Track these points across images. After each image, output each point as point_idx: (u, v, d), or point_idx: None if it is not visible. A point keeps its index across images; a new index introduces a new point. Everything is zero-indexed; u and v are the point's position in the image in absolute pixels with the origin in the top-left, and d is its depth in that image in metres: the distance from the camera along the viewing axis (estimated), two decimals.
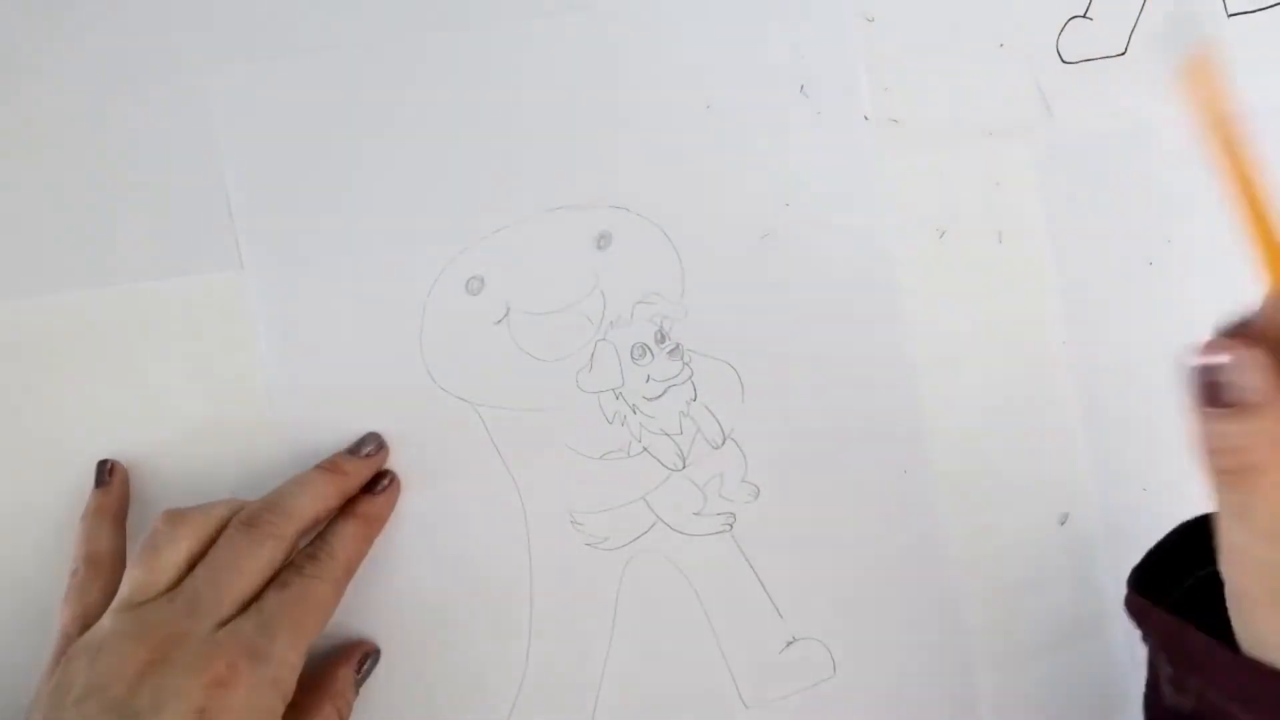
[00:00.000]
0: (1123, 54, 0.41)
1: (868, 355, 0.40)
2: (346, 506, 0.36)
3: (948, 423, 0.40)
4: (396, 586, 0.38)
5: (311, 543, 0.35)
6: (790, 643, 0.40)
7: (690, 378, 0.39)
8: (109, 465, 0.36)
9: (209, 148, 0.37)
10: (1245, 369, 0.24)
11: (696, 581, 0.39)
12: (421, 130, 0.38)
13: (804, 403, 0.39)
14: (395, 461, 0.38)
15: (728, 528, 0.39)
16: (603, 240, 0.39)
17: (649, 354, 0.39)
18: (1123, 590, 0.33)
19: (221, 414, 0.37)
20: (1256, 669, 0.27)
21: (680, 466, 0.39)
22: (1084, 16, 0.41)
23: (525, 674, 0.38)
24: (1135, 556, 0.38)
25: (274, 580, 0.32)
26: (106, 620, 0.31)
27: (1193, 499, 0.36)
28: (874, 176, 0.40)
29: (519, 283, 0.38)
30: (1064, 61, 0.41)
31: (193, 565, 0.32)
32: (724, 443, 0.39)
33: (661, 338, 0.39)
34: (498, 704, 0.38)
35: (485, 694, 0.38)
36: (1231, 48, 0.42)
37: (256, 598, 0.32)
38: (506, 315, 0.38)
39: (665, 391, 0.39)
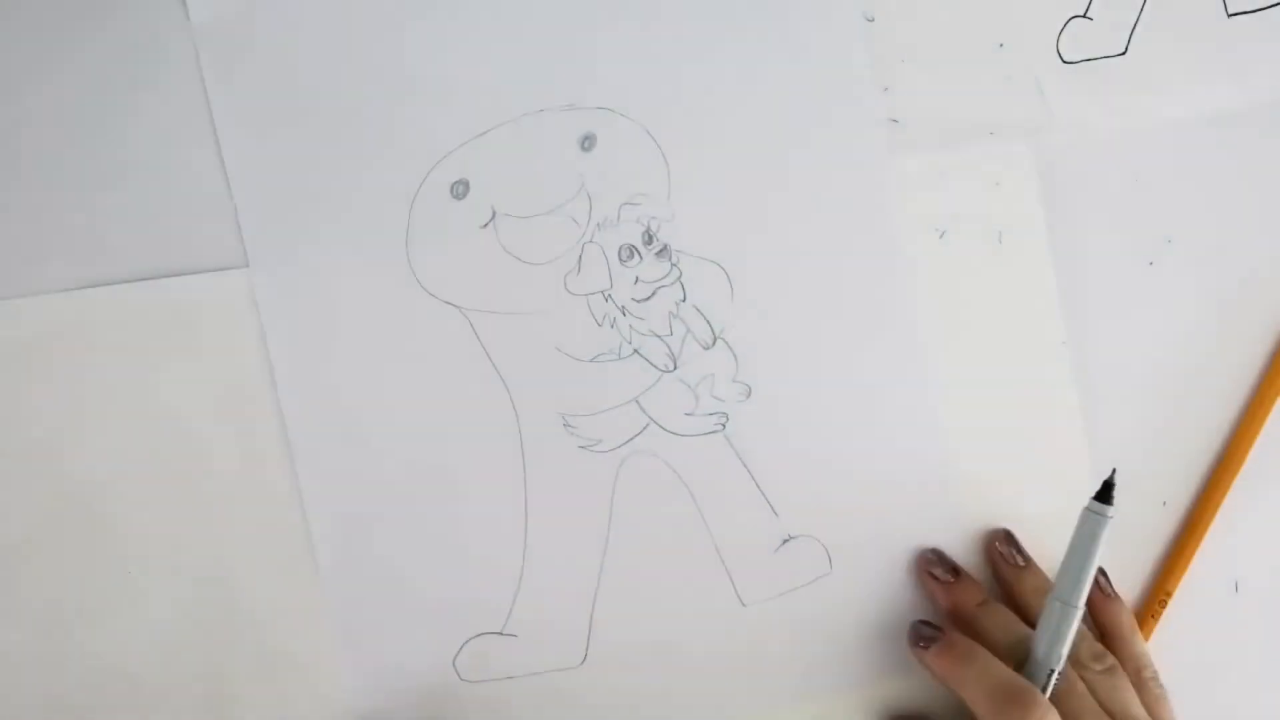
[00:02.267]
0: (1123, 54, 0.41)
1: (860, 249, 0.40)
2: None
3: (947, 424, 0.41)
4: (387, 487, 0.38)
5: None
6: (786, 540, 0.40)
7: (679, 279, 0.39)
8: None
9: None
10: (924, 627, 0.39)
11: (691, 482, 0.39)
12: (403, 33, 0.37)
13: (793, 301, 0.39)
14: (383, 366, 0.38)
15: (720, 428, 0.39)
16: (587, 142, 0.39)
17: (637, 255, 0.39)
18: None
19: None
20: None
21: (671, 368, 0.39)
22: (1084, 16, 0.41)
23: (521, 577, 0.38)
24: (1134, 551, 0.42)
25: None
26: None
27: None
28: (874, 177, 0.40)
29: (504, 186, 0.38)
30: (1064, 61, 0.41)
31: None
32: (714, 343, 0.39)
33: (649, 239, 0.39)
34: (495, 607, 0.38)
35: (481, 598, 0.38)
36: (1231, 48, 0.42)
37: None
38: (493, 219, 0.38)
39: (654, 293, 0.39)
